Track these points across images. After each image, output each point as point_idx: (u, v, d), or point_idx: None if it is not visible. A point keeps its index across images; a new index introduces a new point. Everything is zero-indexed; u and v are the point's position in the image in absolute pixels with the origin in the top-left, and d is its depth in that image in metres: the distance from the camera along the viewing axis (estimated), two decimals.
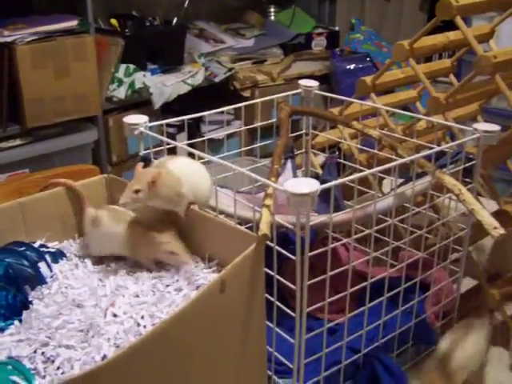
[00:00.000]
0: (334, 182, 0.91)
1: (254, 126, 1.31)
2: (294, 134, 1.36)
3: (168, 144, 1.10)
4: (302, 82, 1.36)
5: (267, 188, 0.94)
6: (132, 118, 1.12)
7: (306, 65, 2.91)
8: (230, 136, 2.61)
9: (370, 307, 1.05)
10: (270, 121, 1.32)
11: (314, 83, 1.35)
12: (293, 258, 0.89)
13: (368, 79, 1.39)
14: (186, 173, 0.96)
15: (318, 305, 0.97)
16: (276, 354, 1.02)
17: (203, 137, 1.31)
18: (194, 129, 2.42)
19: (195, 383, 0.81)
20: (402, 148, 1.11)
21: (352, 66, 2.73)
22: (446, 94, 1.30)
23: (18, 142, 2.23)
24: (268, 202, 0.89)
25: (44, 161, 2.24)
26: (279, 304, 0.97)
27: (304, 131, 1.40)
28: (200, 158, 1.03)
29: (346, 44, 3.04)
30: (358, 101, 1.32)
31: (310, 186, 0.83)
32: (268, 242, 0.90)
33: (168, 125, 1.55)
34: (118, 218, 0.98)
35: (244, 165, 1.40)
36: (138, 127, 1.11)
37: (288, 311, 0.95)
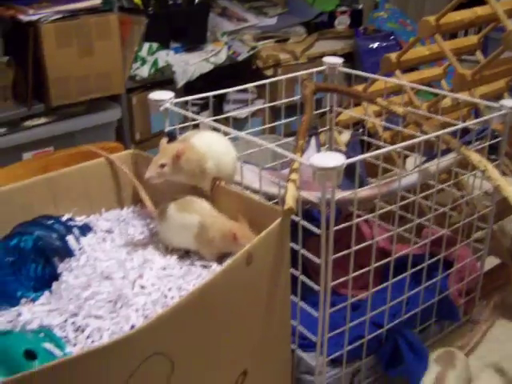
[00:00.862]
0: (359, 157, 0.91)
1: (278, 102, 1.31)
2: (318, 112, 1.36)
3: (193, 120, 1.10)
4: (327, 59, 1.36)
5: (292, 163, 0.94)
6: (157, 94, 1.13)
7: (328, 43, 2.90)
8: (252, 115, 2.63)
9: (393, 283, 1.06)
10: (293, 98, 1.32)
11: (338, 60, 1.35)
12: (318, 231, 0.90)
13: (393, 56, 1.38)
14: (211, 148, 0.96)
15: (342, 279, 0.97)
16: (300, 327, 1.03)
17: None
18: (216, 108, 2.43)
19: (220, 354, 0.82)
20: (427, 124, 1.11)
21: (375, 45, 2.72)
22: (473, 70, 1.29)
23: (42, 120, 2.26)
24: (294, 176, 0.90)
25: (68, 139, 2.27)
26: (304, 278, 0.98)
27: (328, 108, 1.40)
28: (225, 134, 1.03)
29: (370, 22, 3.01)
30: (383, 77, 1.31)
31: (337, 160, 0.83)
32: (292, 217, 0.91)
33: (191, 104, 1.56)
34: (185, 208, 0.95)
35: (268, 143, 1.41)
36: (164, 103, 1.11)
37: (312, 285, 0.95)
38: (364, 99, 1.30)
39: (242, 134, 1.01)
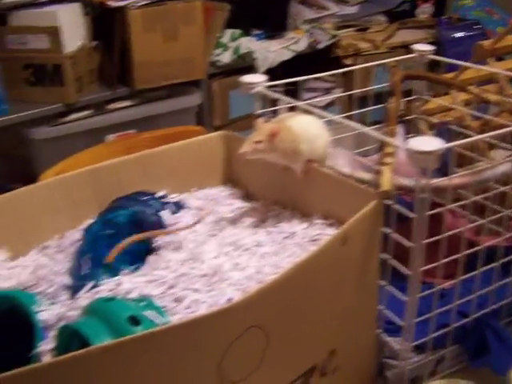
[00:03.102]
0: (451, 144, 0.90)
1: (367, 89, 1.30)
2: (405, 100, 1.35)
3: (287, 103, 1.11)
4: (416, 46, 1.35)
5: (386, 148, 0.94)
6: (250, 78, 1.14)
7: (410, 33, 2.86)
8: (329, 104, 2.62)
9: (478, 274, 1.05)
10: (383, 85, 1.31)
11: (429, 47, 1.33)
12: (412, 215, 0.89)
13: (486, 43, 1.36)
14: (305, 131, 0.98)
15: (430, 265, 0.97)
16: (386, 311, 1.03)
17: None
18: (294, 96, 2.43)
19: (312, 331, 0.84)
20: None
21: (460, 34, 2.65)
22: None
23: (126, 103, 2.32)
24: (389, 160, 0.90)
25: (150, 122, 2.31)
26: (394, 262, 0.98)
27: (415, 97, 1.38)
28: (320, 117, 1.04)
29: (454, 11, 2.93)
30: (475, 65, 1.29)
31: (435, 144, 0.83)
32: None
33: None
34: None
35: (347, 131, 1.40)
36: (256, 86, 1.13)
37: (402, 269, 0.95)
38: (455, 87, 1.28)
39: (337, 117, 1.02)
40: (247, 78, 1.14)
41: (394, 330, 1.04)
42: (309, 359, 0.85)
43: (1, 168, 2.32)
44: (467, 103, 1.43)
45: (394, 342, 1.04)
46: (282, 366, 0.80)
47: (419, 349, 1.04)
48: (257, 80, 1.13)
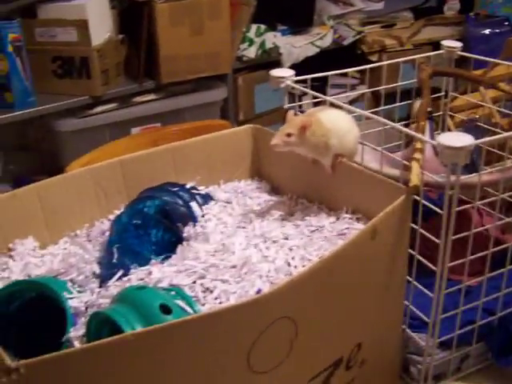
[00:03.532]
0: (481, 140, 0.90)
1: (396, 85, 1.30)
2: (433, 96, 1.35)
3: (314, 98, 1.12)
4: (445, 42, 1.34)
5: (416, 143, 0.94)
6: (279, 71, 1.15)
7: (436, 30, 2.84)
8: (354, 100, 2.61)
9: (506, 272, 1.04)
10: (410, 81, 1.30)
11: (457, 44, 1.33)
12: (440, 211, 0.89)
13: None
14: (335, 125, 0.98)
15: (456, 262, 0.97)
16: (412, 307, 1.03)
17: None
18: (319, 92, 2.43)
19: (339, 324, 0.84)
20: None
21: (487, 31, 2.63)
22: None
23: (151, 96, 2.33)
24: (418, 155, 0.90)
25: (175, 116, 2.33)
26: (420, 258, 0.98)
27: (443, 93, 1.38)
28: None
29: (483, 7, 2.90)
30: (506, 62, 1.28)
31: (465, 140, 0.83)
32: None
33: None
34: None
35: (371, 127, 1.40)
36: (285, 80, 1.13)
37: (429, 264, 0.95)
38: (484, 84, 1.28)
39: (366, 112, 1.02)
40: (276, 72, 1.15)
41: (418, 325, 1.04)
42: (335, 352, 0.85)
43: (27, 160, 2.35)
44: (496, 100, 1.42)
45: (419, 338, 1.04)
46: (309, 358, 0.81)
47: (444, 345, 1.04)
48: (285, 74, 1.14)
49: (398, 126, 0.96)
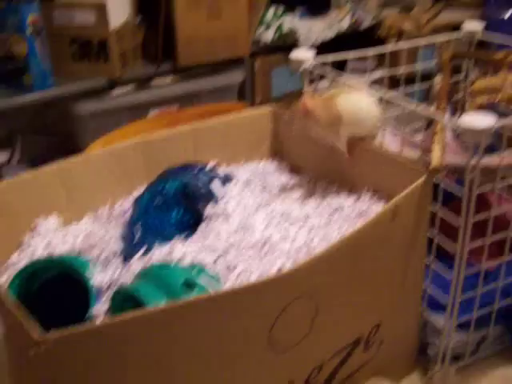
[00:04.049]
0: (504, 121, 0.90)
1: (411, 69, 1.29)
2: (453, 80, 1.34)
3: (336, 79, 1.12)
4: (466, 25, 1.34)
5: (436, 125, 0.94)
6: (299, 53, 1.15)
7: (455, 13, 2.81)
8: (372, 84, 2.60)
9: None
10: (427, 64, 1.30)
11: (478, 27, 1.32)
12: (459, 194, 0.89)
13: None
14: (351, 109, 0.97)
15: (476, 245, 0.97)
16: (430, 288, 1.04)
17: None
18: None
19: (358, 304, 0.85)
20: None
21: (508, 15, 2.60)
22: None
23: (169, 79, 2.33)
24: (439, 138, 0.90)
25: (192, 98, 2.33)
26: (441, 239, 0.98)
27: (463, 76, 1.37)
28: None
29: None
30: None
31: (487, 121, 0.83)
32: None
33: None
34: None
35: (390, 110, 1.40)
36: (305, 62, 1.13)
37: (449, 247, 0.96)
38: (505, 67, 1.27)
39: (388, 94, 1.02)
40: (296, 54, 1.15)
41: (437, 306, 1.05)
42: (355, 331, 0.86)
43: (44, 144, 2.37)
44: None
45: (436, 320, 1.04)
46: (329, 336, 0.82)
47: (462, 327, 1.05)
48: (306, 55, 1.14)
49: (420, 108, 0.96)
